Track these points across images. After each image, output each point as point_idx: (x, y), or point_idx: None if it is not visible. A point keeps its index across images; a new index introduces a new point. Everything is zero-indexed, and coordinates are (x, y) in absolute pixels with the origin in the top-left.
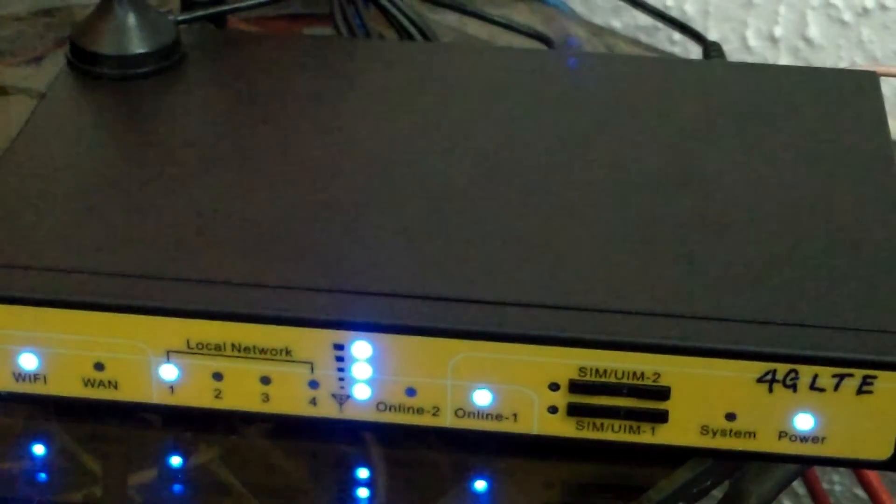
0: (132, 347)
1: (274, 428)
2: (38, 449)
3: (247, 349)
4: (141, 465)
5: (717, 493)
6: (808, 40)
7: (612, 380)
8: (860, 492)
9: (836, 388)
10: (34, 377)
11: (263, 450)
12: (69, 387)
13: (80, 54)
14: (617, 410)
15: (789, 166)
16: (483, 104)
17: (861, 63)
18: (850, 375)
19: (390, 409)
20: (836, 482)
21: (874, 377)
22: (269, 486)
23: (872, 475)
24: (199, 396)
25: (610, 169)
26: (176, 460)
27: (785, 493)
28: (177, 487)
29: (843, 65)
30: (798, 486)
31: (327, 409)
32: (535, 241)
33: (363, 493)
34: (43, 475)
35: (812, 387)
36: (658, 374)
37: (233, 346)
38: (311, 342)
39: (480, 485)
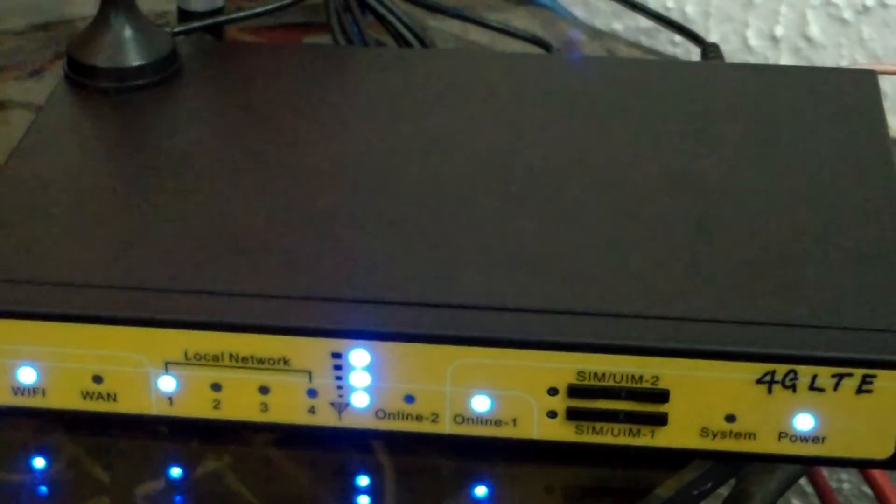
0: (130, 359)
1: (273, 438)
2: (43, 462)
3: (245, 359)
4: (145, 476)
5: (724, 490)
6: (808, 39)
7: (611, 383)
8: (868, 490)
9: (836, 387)
10: (33, 391)
11: (264, 459)
12: (68, 400)
13: (76, 67)
14: (616, 414)
15: (787, 166)
16: (482, 110)
17: (862, 61)
18: (850, 375)
19: (389, 416)
20: (844, 480)
21: (873, 376)
22: (271, 495)
23: (878, 473)
24: (198, 407)
25: (607, 172)
26: (177, 471)
27: (793, 491)
28: (179, 498)
29: (844, 63)
30: (806, 484)
31: (326, 418)
32: (532, 245)
33: (364, 500)
34: (46, 488)
35: (811, 387)
36: (657, 377)
37: (231, 356)
38: (309, 351)
39: (481, 491)
